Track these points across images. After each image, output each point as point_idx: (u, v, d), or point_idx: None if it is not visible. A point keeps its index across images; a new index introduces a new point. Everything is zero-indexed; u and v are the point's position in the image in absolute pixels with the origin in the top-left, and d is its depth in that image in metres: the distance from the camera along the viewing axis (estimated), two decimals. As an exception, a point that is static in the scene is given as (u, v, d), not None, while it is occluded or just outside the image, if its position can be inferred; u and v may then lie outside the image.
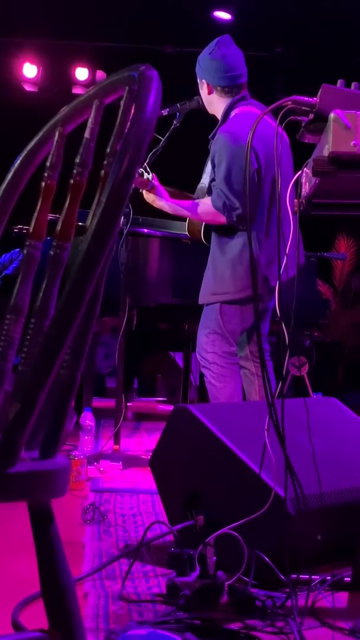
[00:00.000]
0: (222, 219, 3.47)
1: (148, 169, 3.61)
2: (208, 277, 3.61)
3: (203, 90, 3.65)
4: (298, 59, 7.36)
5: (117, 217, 1.10)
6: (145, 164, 3.60)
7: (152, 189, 3.61)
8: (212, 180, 3.55)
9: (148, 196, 3.64)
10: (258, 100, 3.62)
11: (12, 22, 7.11)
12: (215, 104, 3.63)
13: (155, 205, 3.67)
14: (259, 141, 3.34)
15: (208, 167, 3.71)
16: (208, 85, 3.61)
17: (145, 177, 3.59)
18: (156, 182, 3.61)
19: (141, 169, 3.56)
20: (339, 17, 6.69)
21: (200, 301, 3.63)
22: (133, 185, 3.47)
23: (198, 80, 3.67)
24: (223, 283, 3.52)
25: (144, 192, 3.63)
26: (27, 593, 2.01)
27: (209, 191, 3.62)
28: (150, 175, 3.60)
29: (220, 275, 3.53)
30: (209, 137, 3.65)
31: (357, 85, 1.93)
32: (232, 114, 3.55)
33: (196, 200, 3.66)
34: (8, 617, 1.90)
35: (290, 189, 2.12)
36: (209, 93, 3.62)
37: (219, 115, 3.65)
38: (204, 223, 3.72)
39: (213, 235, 3.62)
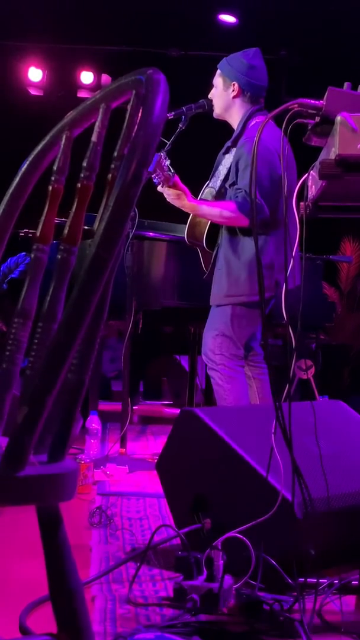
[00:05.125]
0: (245, 222, 3.46)
1: (170, 168, 3.58)
2: (221, 278, 3.59)
3: (228, 92, 3.64)
4: (303, 62, 7.36)
5: (124, 220, 1.11)
6: (169, 162, 3.56)
7: (172, 185, 3.56)
8: (232, 184, 3.54)
9: (169, 192, 3.57)
10: (264, 104, 3.66)
11: (17, 26, 7.12)
12: (235, 108, 3.64)
13: (175, 204, 3.61)
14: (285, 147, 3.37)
15: (219, 172, 3.71)
16: (239, 88, 3.61)
17: (168, 172, 3.54)
18: (177, 180, 3.58)
19: (168, 161, 3.53)
20: (343, 19, 6.69)
21: (212, 302, 3.63)
22: (157, 180, 3.40)
23: (222, 81, 3.66)
24: (238, 285, 3.52)
25: (165, 188, 3.57)
26: (34, 597, 2.01)
27: (218, 195, 3.62)
28: (172, 172, 3.56)
29: (236, 277, 3.52)
30: (228, 144, 3.65)
31: (363, 88, 1.93)
32: (252, 122, 3.58)
33: (217, 202, 3.62)
34: (15, 621, 1.90)
35: (295, 193, 2.12)
36: (236, 96, 3.63)
37: (232, 120, 3.67)
38: (207, 229, 3.71)
39: (225, 238, 3.60)
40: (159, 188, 3.58)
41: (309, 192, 2.06)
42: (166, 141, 3.68)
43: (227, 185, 3.63)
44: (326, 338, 6.77)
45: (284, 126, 1.99)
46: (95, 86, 7.81)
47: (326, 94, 1.91)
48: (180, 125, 3.72)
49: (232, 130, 3.73)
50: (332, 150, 1.83)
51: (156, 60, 7.16)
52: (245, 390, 3.62)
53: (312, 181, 2.03)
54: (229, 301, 3.55)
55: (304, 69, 7.17)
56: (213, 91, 3.72)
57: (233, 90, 3.63)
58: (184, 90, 3.64)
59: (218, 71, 3.70)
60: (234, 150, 3.65)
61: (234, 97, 3.64)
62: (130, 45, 7.42)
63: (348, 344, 7.39)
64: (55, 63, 7.80)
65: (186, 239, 3.86)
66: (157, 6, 6.81)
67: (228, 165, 3.65)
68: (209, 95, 3.73)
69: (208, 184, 3.79)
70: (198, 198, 3.71)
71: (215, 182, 3.71)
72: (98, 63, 7.87)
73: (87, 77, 7.90)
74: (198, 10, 7.01)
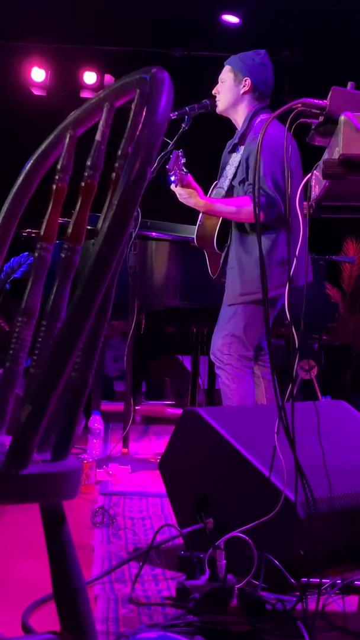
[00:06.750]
0: (260, 217, 3.43)
1: (184, 167, 3.57)
2: (234, 278, 3.57)
3: (239, 87, 3.64)
4: (306, 62, 7.36)
5: (128, 219, 1.10)
6: (185, 161, 3.56)
7: (186, 185, 3.56)
8: (242, 180, 3.54)
9: (183, 192, 3.56)
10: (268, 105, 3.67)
11: (20, 26, 7.13)
12: (243, 105, 3.64)
13: (188, 203, 3.59)
14: (289, 144, 3.37)
15: (227, 172, 3.71)
16: (251, 83, 3.62)
17: (182, 171, 3.54)
18: (190, 179, 3.58)
19: (184, 160, 3.54)
20: (346, 19, 6.69)
21: (226, 302, 3.61)
22: (175, 178, 3.42)
23: (232, 76, 3.65)
24: (252, 283, 3.50)
25: (178, 188, 3.56)
26: (36, 596, 2.01)
27: (227, 194, 3.62)
28: (185, 171, 3.56)
29: (249, 275, 3.50)
30: (234, 141, 3.65)
31: (367, 88, 1.93)
32: (257, 119, 3.58)
33: (231, 198, 3.61)
34: (18, 619, 1.90)
35: (300, 192, 2.13)
36: (246, 92, 3.63)
37: (237, 116, 3.66)
38: (217, 230, 3.70)
39: (235, 236, 3.59)
40: (172, 187, 3.58)
41: (312, 192, 2.07)
42: (169, 141, 3.68)
43: (234, 183, 3.62)
44: (329, 338, 6.76)
45: (287, 125, 1.99)
46: (98, 86, 7.82)
47: (330, 93, 1.91)
48: (183, 126, 3.72)
49: (235, 128, 3.72)
50: (336, 150, 1.83)
51: (159, 61, 7.11)
52: (251, 391, 3.61)
53: (316, 181, 2.03)
54: (243, 300, 3.53)
55: (307, 69, 7.17)
56: (219, 87, 3.70)
57: (244, 86, 3.63)
58: (187, 90, 3.64)
59: (227, 67, 3.69)
60: (240, 148, 3.64)
61: (245, 92, 3.64)
62: (133, 46, 7.42)
63: (350, 344, 7.38)
64: (58, 63, 7.81)
65: (195, 241, 3.84)
66: (160, 6, 6.81)
67: (236, 164, 3.64)
68: (214, 91, 3.71)
69: (216, 185, 3.79)
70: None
71: (224, 182, 3.70)
72: (101, 63, 7.88)
73: (90, 77, 7.91)
74: (201, 11, 7.01)
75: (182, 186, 3.55)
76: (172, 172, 3.53)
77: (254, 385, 3.63)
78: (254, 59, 3.65)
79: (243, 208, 3.49)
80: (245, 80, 3.63)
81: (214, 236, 3.70)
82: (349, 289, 7.93)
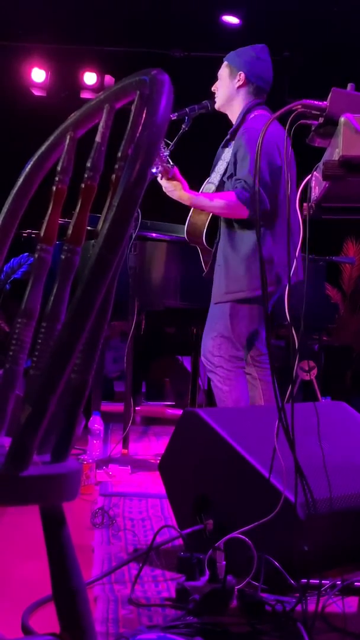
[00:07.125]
0: (244, 213, 3.41)
1: (169, 160, 3.57)
2: (220, 275, 3.55)
3: (233, 82, 3.63)
4: (306, 63, 7.36)
5: (128, 221, 1.11)
6: (168, 153, 3.56)
7: (171, 178, 3.55)
8: (230, 175, 3.53)
9: (167, 184, 3.56)
10: (267, 104, 3.66)
11: (20, 27, 7.13)
12: (237, 99, 3.63)
13: (172, 196, 3.58)
14: (281, 142, 3.35)
15: (219, 167, 3.70)
16: (246, 78, 3.61)
17: (167, 164, 3.54)
18: (176, 171, 3.58)
19: (167, 152, 3.53)
20: (346, 20, 6.69)
21: (215, 301, 3.60)
22: (156, 170, 3.41)
23: (228, 71, 3.65)
24: (238, 281, 3.48)
25: (163, 180, 3.55)
26: (36, 597, 2.01)
27: (218, 189, 3.61)
28: (171, 164, 3.56)
29: (234, 272, 3.48)
30: (227, 137, 3.65)
31: (367, 89, 1.93)
32: (251, 115, 3.57)
33: (215, 193, 3.59)
34: (18, 621, 1.90)
35: (299, 193, 2.12)
36: (241, 86, 3.62)
37: (233, 111, 3.65)
38: (207, 225, 3.68)
39: (224, 232, 3.57)
40: (158, 179, 3.56)
41: (312, 193, 2.07)
42: (169, 142, 3.68)
43: (224, 178, 3.61)
44: (329, 339, 6.77)
45: (287, 127, 1.99)
46: (98, 87, 7.82)
47: (330, 94, 1.91)
48: (183, 126, 3.72)
49: (232, 125, 3.72)
50: (336, 151, 1.83)
51: (159, 61, 7.16)
52: (245, 392, 3.58)
53: (316, 182, 2.03)
54: (228, 298, 3.51)
55: (307, 70, 7.17)
56: (217, 83, 3.70)
57: (239, 80, 3.62)
58: (187, 91, 3.64)
59: (224, 62, 3.69)
60: (232, 143, 3.64)
61: (239, 86, 3.62)
62: (133, 46, 7.43)
63: (350, 345, 7.39)
64: (59, 64, 7.81)
65: (186, 237, 3.84)
66: (160, 7, 6.81)
67: (228, 159, 3.64)
68: (213, 88, 3.71)
69: (208, 180, 3.78)
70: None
71: (215, 177, 3.70)
72: (101, 64, 7.89)
73: (90, 77, 7.91)
74: (201, 11, 7.02)
75: (168, 179, 3.54)
76: (154, 164, 3.52)
77: (247, 386, 3.61)
78: (249, 53, 3.63)
79: (225, 202, 3.47)
80: (240, 75, 3.62)
81: (203, 232, 3.69)
82: (349, 290, 7.94)
